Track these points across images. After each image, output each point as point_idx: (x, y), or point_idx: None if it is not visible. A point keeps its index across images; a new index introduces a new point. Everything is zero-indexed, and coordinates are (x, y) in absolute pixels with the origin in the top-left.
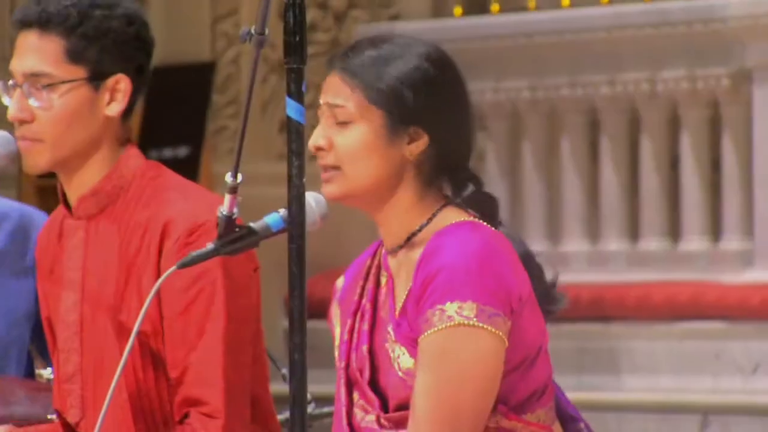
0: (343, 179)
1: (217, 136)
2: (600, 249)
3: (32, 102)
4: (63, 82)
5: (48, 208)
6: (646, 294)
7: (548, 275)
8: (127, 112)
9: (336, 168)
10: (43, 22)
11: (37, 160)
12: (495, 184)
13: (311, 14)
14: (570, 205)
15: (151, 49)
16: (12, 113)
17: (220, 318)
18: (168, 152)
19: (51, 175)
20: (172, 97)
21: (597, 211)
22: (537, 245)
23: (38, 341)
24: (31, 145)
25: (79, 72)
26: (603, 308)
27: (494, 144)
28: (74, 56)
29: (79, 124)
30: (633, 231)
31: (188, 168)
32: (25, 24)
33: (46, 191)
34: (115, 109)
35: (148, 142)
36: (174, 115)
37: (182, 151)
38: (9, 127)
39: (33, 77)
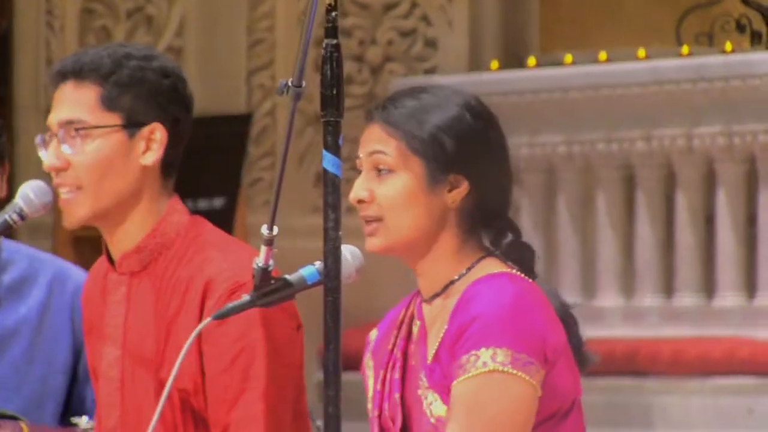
0: (386, 231)
1: (252, 188)
2: (634, 304)
3: (65, 149)
4: (96, 128)
5: (83, 259)
6: (679, 349)
7: (582, 332)
8: (167, 165)
9: (378, 219)
10: (77, 72)
11: (78, 212)
12: (529, 238)
13: (347, 67)
14: (605, 259)
15: (188, 103)
16: (47, 162)
17: (260, 377)
18: (203, 203)
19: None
20: (207, 148)
21: (632, 266)
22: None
23: (73, 392)
24: (71, 194)
25: (114, 119)
26: (636, 363)
27: (529, 198)
28: (108, 103)
29: (114, 171)
30: (667, 286)
31: (223, 219)
32: (61, 76)
33: (81, 241)
34: (150, 158)
35: (183, 193)
36: (210, 166)
37: (218, 202)
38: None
39: (67, 124)
